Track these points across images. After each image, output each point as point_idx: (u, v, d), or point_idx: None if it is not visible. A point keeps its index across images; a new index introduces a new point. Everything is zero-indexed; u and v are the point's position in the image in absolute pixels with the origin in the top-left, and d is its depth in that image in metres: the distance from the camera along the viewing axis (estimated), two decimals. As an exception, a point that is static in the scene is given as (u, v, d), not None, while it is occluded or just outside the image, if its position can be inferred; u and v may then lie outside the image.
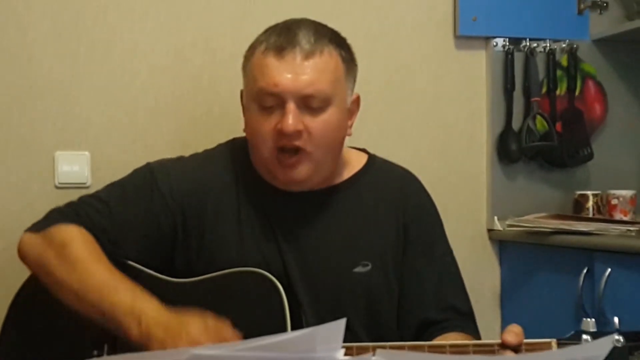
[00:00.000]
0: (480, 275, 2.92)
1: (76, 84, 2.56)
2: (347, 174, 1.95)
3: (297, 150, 1.78)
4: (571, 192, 2.94)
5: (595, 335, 1.44)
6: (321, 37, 1.81)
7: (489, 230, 2.94)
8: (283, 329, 1.65)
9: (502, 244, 2.96)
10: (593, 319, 1.47)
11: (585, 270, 2.48)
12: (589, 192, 2.89)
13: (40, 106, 2.53)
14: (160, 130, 2.62)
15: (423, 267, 1.90)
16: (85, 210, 1.85)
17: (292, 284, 1.80)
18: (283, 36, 1.80)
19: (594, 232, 2.53)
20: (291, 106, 1.75)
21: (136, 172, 1.94)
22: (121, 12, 2.60)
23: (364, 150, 2.04)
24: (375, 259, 1.87)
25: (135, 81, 2.61)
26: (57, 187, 2.52)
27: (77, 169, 2.53)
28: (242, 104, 1.91)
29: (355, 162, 1.98)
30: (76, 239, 1.77)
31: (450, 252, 1.98)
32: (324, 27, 1.87)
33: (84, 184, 2.52)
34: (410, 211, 1.93)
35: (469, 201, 2.93)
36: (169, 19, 2.64)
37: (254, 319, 1.69)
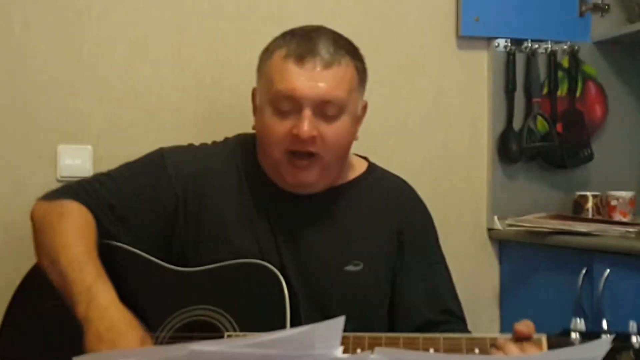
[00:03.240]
0: (480, 274, 2.93)
1: (79, 78, 2.56)
2: (347, 177, 2.01)
3: (309, 155, 1.84)
4: (571, 192, 2.94)
5: (584, 335, 1.50)
6: (339, 48, 1.86)
7: (489, 230, 2.94)
8: (282, 321, 1.70)
9: (502, 244, 2.96)
10: (582, 319, 1.52)
11: (584, 271, 2.48)
12: (588, 193, 2.89)
13: (43, 100, 2.52)
14: (163, 125, 2.62)
15: (418, 272, 1.95)
16: (95, 188, 1.93)
17: (288, 277, 1.84)
18: (303, 44, 1.84)
19: (594, 232, 2.53)
20: (307, 112, 1.80)
21: (148, 154, 2.03)
22: (125, 8, 2.60)
23: (365, 158, 2.09)
24: (367, 260, 1.92)
25: (138, 76, 2.61)
26: (59, 181, 2.50)
27: (80, 163, 2.53)
28: (254, 104, 1.96)
29: (356, 167, 2.04)
30: (73, 213, 1.85)
31: (444, 260, 2.03)
32: (341, 37, 1.92)
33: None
34: (406, 218, 1.99)
35: (469, 201, 2.93)
36: (172, 15, 2.64)
37: (255, 309, 1.74)
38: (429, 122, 2.89)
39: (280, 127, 1.82)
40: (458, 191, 2.92)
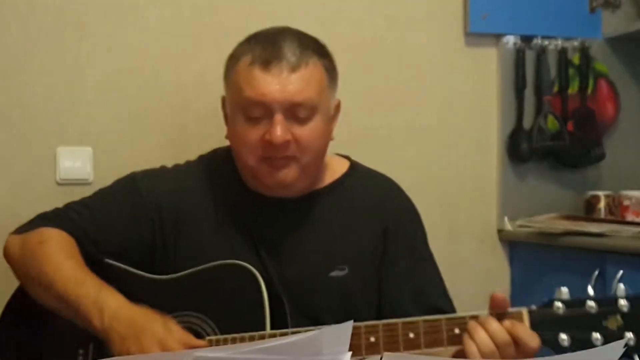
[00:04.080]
0: (490, 275, 2.91)
1: (79, 80, 2.54)
2: (328, 179, 1.97)
3: (285, 157, 1.81)
4: (583, 192, 2.93)
5: (568, 303, 1.51)
6: (305, 49, 1.83)
7: (499, 231, 2.92)
8: (262, 319, 1.70)
9: (513, 245, 2.94)
10: (566, 288, 1.53)
11: (596, 272, 2.45)
12: (600, 193, 2.87)
13: (42, 102, 2.51)
14: (164, 127, 2.60)
15: (403, 271, 1.92)
16: (68, 214, 1.91)
17: (274, 286, 1.82)
18: (268, 49, 1.81)
19: (606, 233, 2.52)
20: (279, 117, 1.78)
21: (119, 180, 2.01)
22: (124, 9, 2.58)
23: (347, 157, 2.06)
24: (352, 263, 1.89)
25: (139, 77, 2.59)
26: (58, 184, 2.50)
27: (79, 165, 2.51)
28: (224, 112, 1.94)
29: (337, 168, 2.00)
30: (53, 239, 1.84)
31: (432, 257, 2.00)
32: (307, 37, 1.89)
33: (86, 180, 2.49)
34: (390, 217, 1.96)
35: (479, 201, 2.91)
36: (172, 15, 2.62)
37: (234, 310, 1.74)
38: (437, 121, 2.88)
39: (252, 133, 1.80)
40: (467, 192, 2.91)
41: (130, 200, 1.92)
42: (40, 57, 2.51)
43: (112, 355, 1.64)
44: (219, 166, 1.98)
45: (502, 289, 2.90)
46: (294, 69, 1.79)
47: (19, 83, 2.50)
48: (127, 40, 2.58)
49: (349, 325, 1.23)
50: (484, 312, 1.54)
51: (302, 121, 1.80)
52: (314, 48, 1.86)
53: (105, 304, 1.66)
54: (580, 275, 2.50)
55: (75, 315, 1.69)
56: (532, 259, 2.87)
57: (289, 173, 1.82)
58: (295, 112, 1.79)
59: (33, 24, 2.51)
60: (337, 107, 1.95)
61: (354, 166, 2.03)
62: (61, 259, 1.77)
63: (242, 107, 1.81)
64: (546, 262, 2.77)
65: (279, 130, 1.76)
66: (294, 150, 1.80)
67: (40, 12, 2.51)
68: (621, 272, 2.34)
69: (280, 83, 1.77)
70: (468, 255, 2.87)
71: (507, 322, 1.51)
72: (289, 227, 1.91)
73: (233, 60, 1.87)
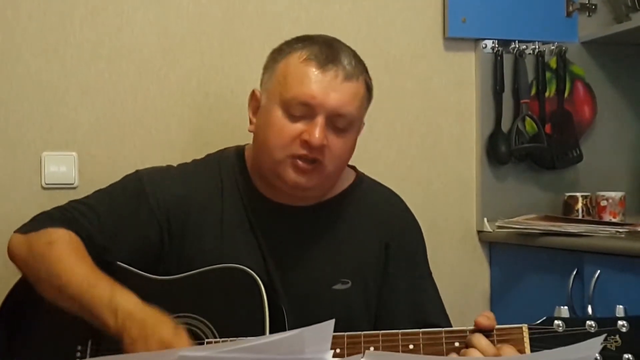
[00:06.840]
0: (470, 276, 2.92)
1: (64, 85, 2.54)
2: (335, 191, 1.97)
3: (314, 161, 1.80)
4: (560, 193, 2.94)
5: (568, 322, 1.51)
6: (358, 63, 1.84)
7: (479, 232, 2.94)
8: (262, 324, 1.67)
9: (492, 246, 2.96)
10: (566, 307, 1.53)
11: (574, 272, 2.47)
12: (578, 194, 2.88)
13: (27, 107, 2.51)
14: (148, 131, 2.60)
15: (402, 287, 1.92)
16: (73, 215, 1.86)
17: (277, 295, 1.81)
18: (326, 50, 1.81)
19: (584, 233, 2.53)
20: (321, 120, 1.77)
21: (125, 180, 1.97)
22: (109, 13, 2.58)
23: (353, 168, 2.05)
24: (355, 277, 1.90)
25: (123, 82, 2.59)
26: (44, 188, 2.50)
27: (65, 170, 2.51)
28: (255, 104, 1.92)
29: (343, 180, 1.99)
30: (62, 239, 1.79)
31: (430, 274, 2.00)
32: (356, 53, 1.88)
33: (71, 184, 2.50)
34: (394, 232, 1.97)
35: (458, 203, 2.93)
36: (157, 20, 2.62)
37: (233, 314, 1.71)
38: (416, 125, 2.89)
39: (290, 129, 1.79)
40: (447, 194, 2.92)
41: (138, 206, 1.88)
42: (25, 62, 2.51)
43: (111, 351, 1.64)
44: (228, 167, 1.96)
45: (482, 289, 2.94)
46: (347, 77, 1.79)
47: (3, 88, 2.50)
48: (112, 45, 2.58)
49: (330, 325, 1.25)
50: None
51: (339, 131, 1.80)
52: (363, 65, 1.87)
53: (120, 305, 1.62)
54: (559, 275, 2.53)
55: (90, 316, 1.66)
56: (512, 259, 2.88)
57: (311, 179, 1.81)
58: (336, 121, 1.79)
59: (18, 28, 2.50)
60: (362, 128, 1.95)
61: (361, 178, 2.03)
62: (72, 261, 1.74)
63: (285, 102, 1.79)
64: (525, 263, 2.79)
65: (319, 132, 1.76)
66: (324, 157, 1.79)
67: (25, 17, 2.51)
68: (599, 271, 2.37)
69: (332, 88, 1.77)
70: (448, 256, 2.88)
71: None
72: (297, 235, 1.90)
73: (281, 53, 1.86)
